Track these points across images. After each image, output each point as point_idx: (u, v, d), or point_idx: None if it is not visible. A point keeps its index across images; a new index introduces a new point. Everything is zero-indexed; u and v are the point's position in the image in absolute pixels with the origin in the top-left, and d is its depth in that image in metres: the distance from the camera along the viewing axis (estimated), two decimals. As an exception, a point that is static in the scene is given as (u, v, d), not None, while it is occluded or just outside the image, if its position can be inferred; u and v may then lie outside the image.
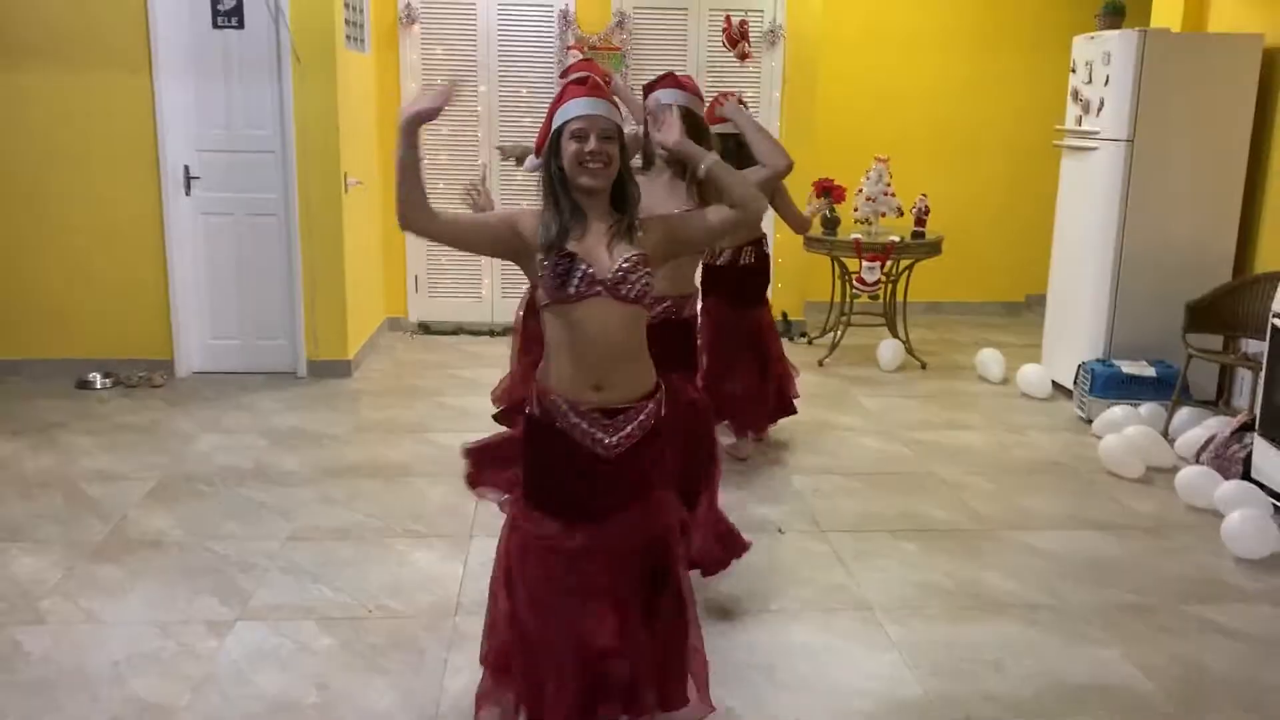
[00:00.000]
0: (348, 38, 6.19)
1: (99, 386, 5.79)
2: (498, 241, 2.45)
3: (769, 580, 3.68)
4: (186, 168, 5.92)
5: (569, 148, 2.38)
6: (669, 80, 3.63)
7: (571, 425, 2.41)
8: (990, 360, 6.36)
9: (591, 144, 2.36)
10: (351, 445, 4.98)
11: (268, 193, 5.98)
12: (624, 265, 2.37)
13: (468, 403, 5.65)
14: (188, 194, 5.94)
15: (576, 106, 2.39)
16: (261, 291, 6.08)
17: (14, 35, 5.63)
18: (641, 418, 2.46)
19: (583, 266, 2.36)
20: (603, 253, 2.39)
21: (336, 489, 4.42)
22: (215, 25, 5.80)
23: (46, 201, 5.82)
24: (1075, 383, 5.64)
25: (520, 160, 4.31)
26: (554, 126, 2.42)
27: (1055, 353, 6.13)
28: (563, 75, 3.73)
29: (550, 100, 2.74)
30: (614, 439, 2.42)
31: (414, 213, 2.35)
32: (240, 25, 5.81)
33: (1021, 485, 4.65)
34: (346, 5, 6.18)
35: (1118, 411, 5.22)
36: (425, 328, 7.30)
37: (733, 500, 4.36)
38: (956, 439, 5.26)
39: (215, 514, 4.15)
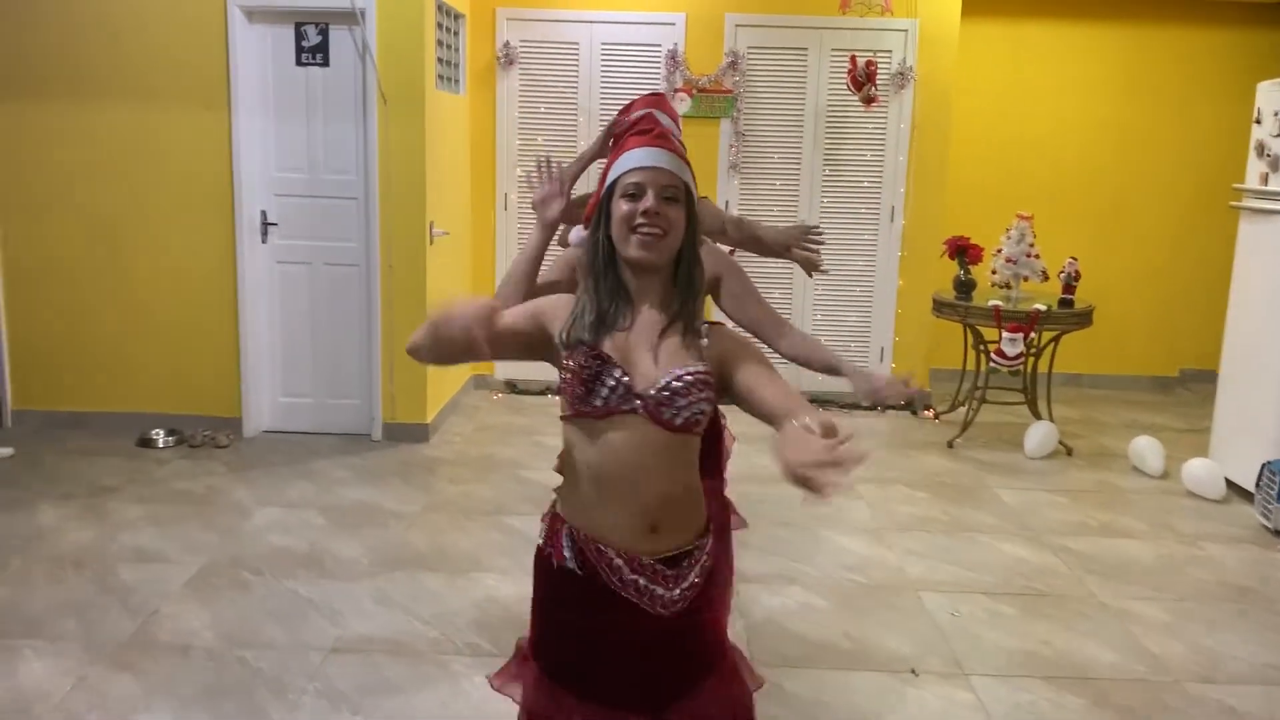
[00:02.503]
0: (440, 77, 5.76)
1: (161, 445, 5.40)
2: (528, 348, 1.88)
3: (901, 742, 2.98)
4: (264, 213, 5.53)
5: (618, 209, 1.81)
6: (652, 114, 2.73)
7: (626, 583, 1.85)
8: (1147, 450, 5.52)
9: (647, 202, 1.79)
10: (418, 528, 4.44)
11: (348, 241, 5.56)
12: (675, 383, 1.78)
13: (549, 478, 5.06)
14: (264, 241, 5.55)
15: (633, 157, 1.83)
16: (337, 347, 5.64)
17: (85, 69, 5.33)
18: (705, 559, 1.91)
19: (616, 373, 1.78)
20: (646, 355, 1.81)
21: (395, 584, 3.87)
22: (299, 62, 5.43)
23: (114, 245, 5.49)
24: (1258, 485, 4.79)
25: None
26: (608, 180, 1.85)
27: (1229, 445, 5.27)
28: (623, 113, 2.97)
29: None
30: (675, 592, 1.85)
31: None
32: (325, 63, 5.42)
33: (1204, 617, 3.84)
34: (440, 43, 5.75)
35: (1317, 525, 4.38)
36: (512, 386, 6.79)
37: (850, 624, 3.68)
38: (1117, 549, 4.47)
39: (256, 612, 3.64)
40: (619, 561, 1.84)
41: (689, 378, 1.78)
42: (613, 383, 1.77)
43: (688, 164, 1.89)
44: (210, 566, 3.99)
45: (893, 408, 6.60)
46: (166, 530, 4.33)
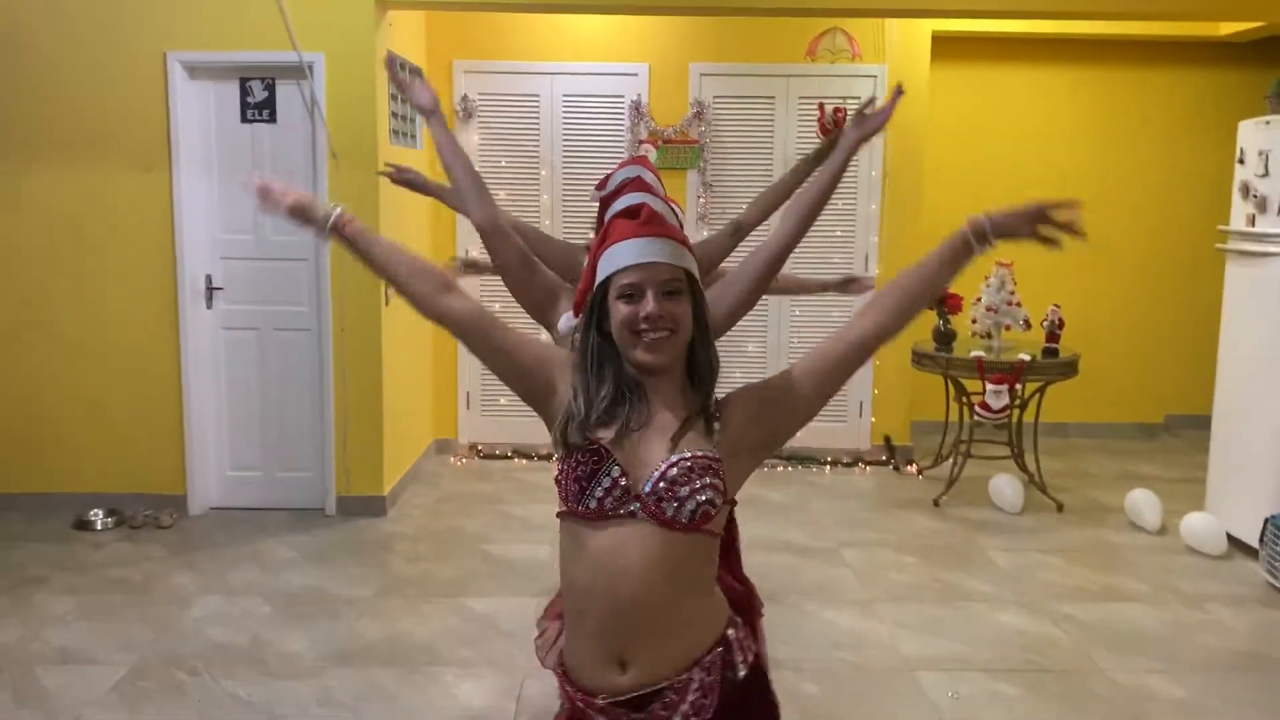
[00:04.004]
0: (395, 132, 5.52)
1: (99, 527, 5.04)
2: (522, 379, 1.71)
3: None
4: (208, 277, 5.24)
5: (617, 311, 1.60)
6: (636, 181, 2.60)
7: None
8: (1144, 504, 5.28)
9: (649, 306, 1.57)
10: (371, 615, 4.11)
11: (298, 305, 5.27)
12: (671, 470, 1.55)
13: (515, 553, 4.78)
14: (209, 306, 5.25)
15: (626, 251, 1.61)
16: (288, 417, 5.32)
17: (14, 127, 5.04)
18: (693, 698, 1.62)
19: (614, 473, 1.56)
20: (659, 452, 1.59)
21: (343, 683, 3.54)
22: (245, 119, 5.17)
23: (49, 314, 5.17)
24: (1262, 541, 4.55)
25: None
26: (597, 279, 1.62)
27: (1226, 498, 5.04)
28: (599, 187, 2.81)
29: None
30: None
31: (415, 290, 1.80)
32: (272, 119, 5.17)
33: (1220, 691, 3.57)
34: (394, 97, 5.51)
35: (1328, 584, 4.14)
36: (477, 451, 6.47)
37: (845, 711, 3.39)
38: (1120, 615, 4.20)
39: (188, 720, 3.30)
40: (574, 691, 1.62)
41: (685, 463, 1.56)
42: (608, 483, 1.56)
43: (685, 243, 1.67)
44: (141, 666, 3.64)
45: (874, 462, 6.34)
46: (96, 625, 3.97)
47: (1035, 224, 1.72)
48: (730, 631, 1.69)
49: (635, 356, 1.62)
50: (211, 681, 3.54)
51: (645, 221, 1.65)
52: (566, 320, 2.18)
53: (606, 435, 1.59)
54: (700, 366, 1.66)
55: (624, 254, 1.62)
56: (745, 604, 2.37)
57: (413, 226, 5.94)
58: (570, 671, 1.65)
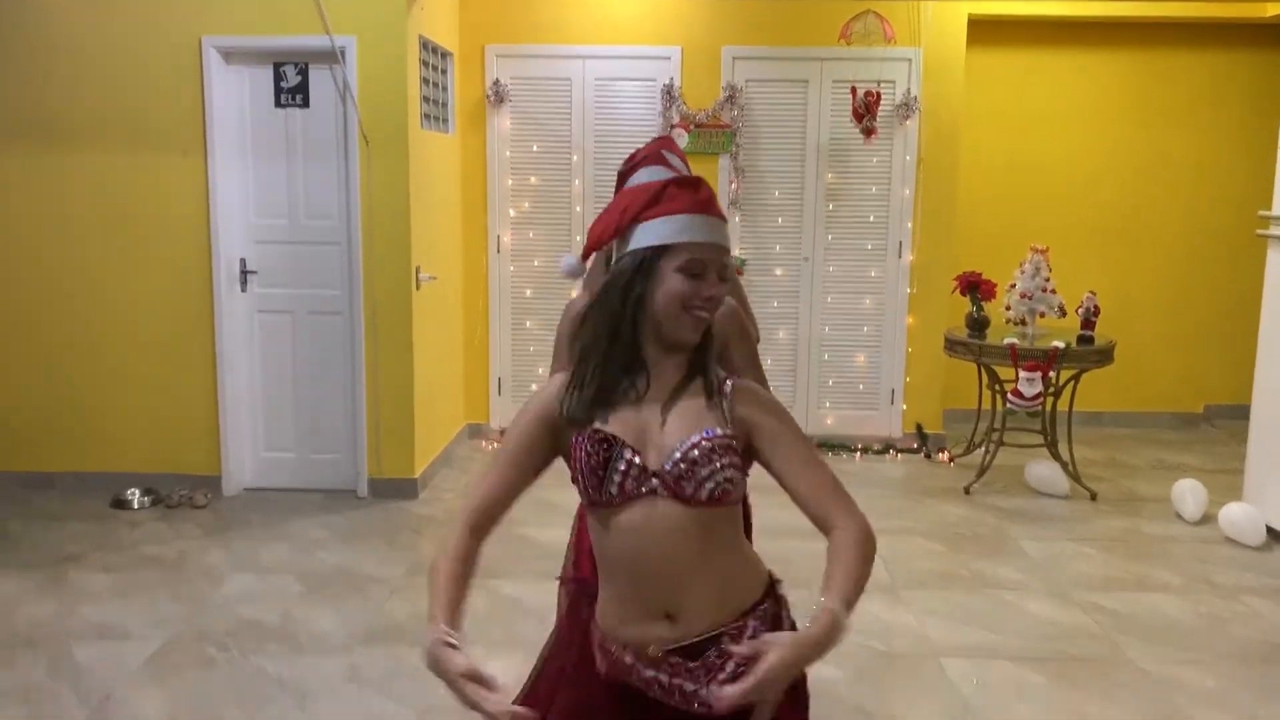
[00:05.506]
0: (426, 116, 5.54)
1: (136, 506, 5.13)
2: (547, 462, 1.70)
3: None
4: (243, 261, 5.29)
5: (674, 284, 1.58)
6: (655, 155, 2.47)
7: (646, 681, 1.62)
8: (1189, 494, 5.17)
9: (712, 287, 1.59)
10: (400, 595, 4.15)
11: (330, 289, 5.31)
12: (693, 451, 1.56)
13: (545, 536, 4.78)
14: (243, 290, 5.31)
15: (694, 226, 1.59)
16: (321, 399, 5.37)
17: (52, 115, 5.12)
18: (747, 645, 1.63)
19: (626, 455, 1.58)
20: (657, 426, 1.60)
21: (372, 661, 3.57)
22: (279, 104, 5.21)
23: (86, 296, 5.25)
24: (1301, 532, 4.48)
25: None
26: (649, 242, 1.59)
27: (1266, 489, 4.95)
28: (626, 162, 2.66)
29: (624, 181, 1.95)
30: (711, 688, 1.56)
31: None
32: (305, 104, 5.20)
33: (1252, 683, 3.52)
34: (426, 82, 5.54)
35: (1368, 576, 4.06)
36: (508, 436, 6.49)
37: (868, 698, 3.38)
38: (1152, 606, 4.15)
39: (218, 695, 3.34)
40: (629, 659, 1.63)
41: (706, 444, 1.56)
42: (624, 466, 1.58)
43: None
44: (173, 642, 3.70)
45: (905, 450, 6.30)
46: (131, 601, 4.04)
47: None
48: (779, 586, 1.73)
49: (680, 333, 1.60)
50: (241, 657, 3.60)
51: (709, 200, 1.64)
52: (569, 263, 2.08)
53: (606, 416, 1.60)
54: (706, 341, 1.66)
55: (692, 228, 1.58)
56: None
57: (444, 213, 5.96)
58: (610, 631, 1.66)
